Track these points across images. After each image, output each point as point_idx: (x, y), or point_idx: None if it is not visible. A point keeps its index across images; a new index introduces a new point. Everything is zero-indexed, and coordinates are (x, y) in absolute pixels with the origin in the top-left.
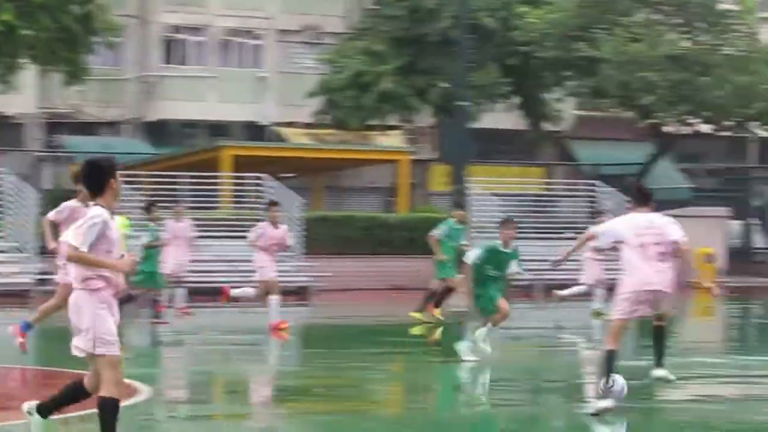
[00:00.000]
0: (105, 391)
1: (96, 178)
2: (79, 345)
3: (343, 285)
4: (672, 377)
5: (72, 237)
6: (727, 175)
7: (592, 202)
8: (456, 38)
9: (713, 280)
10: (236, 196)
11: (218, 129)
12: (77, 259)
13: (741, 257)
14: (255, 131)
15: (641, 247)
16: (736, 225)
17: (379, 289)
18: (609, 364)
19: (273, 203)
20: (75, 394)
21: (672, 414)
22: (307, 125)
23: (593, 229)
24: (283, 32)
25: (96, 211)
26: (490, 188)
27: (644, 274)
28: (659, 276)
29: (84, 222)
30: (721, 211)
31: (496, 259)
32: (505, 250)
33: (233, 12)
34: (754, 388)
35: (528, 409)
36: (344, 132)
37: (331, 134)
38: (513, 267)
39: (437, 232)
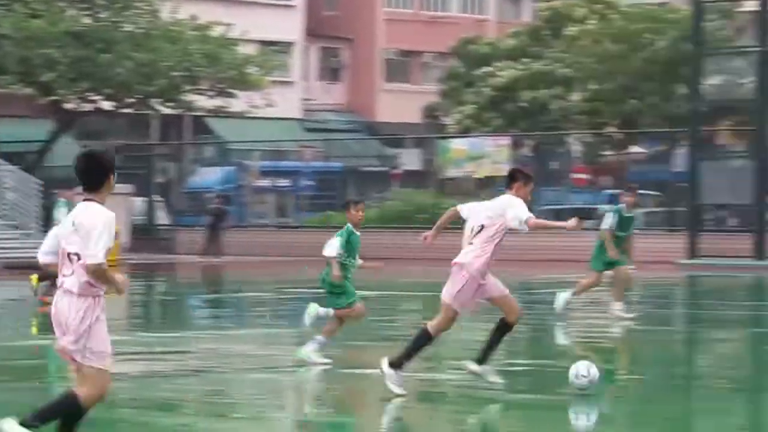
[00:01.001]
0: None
1: (97, 173)
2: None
3: None
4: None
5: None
6: (129, 152)
7: None
8: None
9: (117, 257)
10: None
11: None
12: None
13: (144, 234)
14: None
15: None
16: (138, 202)
17: None
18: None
19: None
20: None
21: None
22: None
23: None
24: None
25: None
26: None
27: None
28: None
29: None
30: (124, 188)
31: (351, 245)
32: (357, 233)
33: None
34: (156, 365)
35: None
36: None
37: None
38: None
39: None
